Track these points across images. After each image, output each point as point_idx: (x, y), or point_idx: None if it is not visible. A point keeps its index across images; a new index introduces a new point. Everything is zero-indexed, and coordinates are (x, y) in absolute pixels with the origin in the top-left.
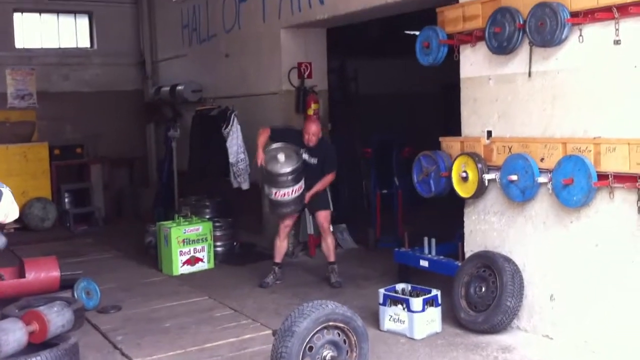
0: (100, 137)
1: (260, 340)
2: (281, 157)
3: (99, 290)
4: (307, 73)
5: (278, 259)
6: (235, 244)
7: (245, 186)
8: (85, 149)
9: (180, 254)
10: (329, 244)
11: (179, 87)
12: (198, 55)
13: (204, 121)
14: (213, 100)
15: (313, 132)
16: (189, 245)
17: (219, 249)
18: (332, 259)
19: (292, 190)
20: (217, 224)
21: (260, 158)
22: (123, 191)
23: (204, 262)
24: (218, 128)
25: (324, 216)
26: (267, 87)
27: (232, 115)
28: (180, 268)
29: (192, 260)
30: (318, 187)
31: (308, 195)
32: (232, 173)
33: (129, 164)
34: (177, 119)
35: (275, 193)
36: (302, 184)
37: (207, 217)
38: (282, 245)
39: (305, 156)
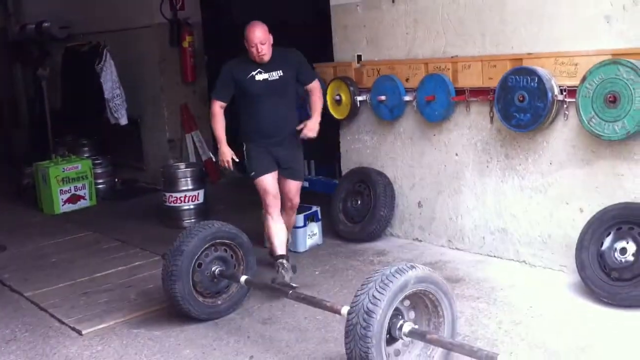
0: None
1: (149, 266)
2: None
3: None
4: (179, 5)
5: (281, 250)
6: (116, 180)
7: (123, 121)
8: None
9: (61, 193)
10: (290, 225)
11: (45, 24)
12: None
13: (75, 58)
14: (83, 37)
15: (260, 39)
16: (69, 183)
17: (100, 186)
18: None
19: None
20: (97, 162)
21: (227, 157)
22: None
23: (85, 199)
24: (91, 65)
25: (297, 188)
26: (139, 21)
27: (105, 50)
28: (61, 207)
29: (74, 199)
30: (316, 113)
31: (308, 129)
32: (109, 109)
33: None
34: (45, 57)
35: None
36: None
37: (86, 155)
38: (278, 228)
39: (261, 77)
